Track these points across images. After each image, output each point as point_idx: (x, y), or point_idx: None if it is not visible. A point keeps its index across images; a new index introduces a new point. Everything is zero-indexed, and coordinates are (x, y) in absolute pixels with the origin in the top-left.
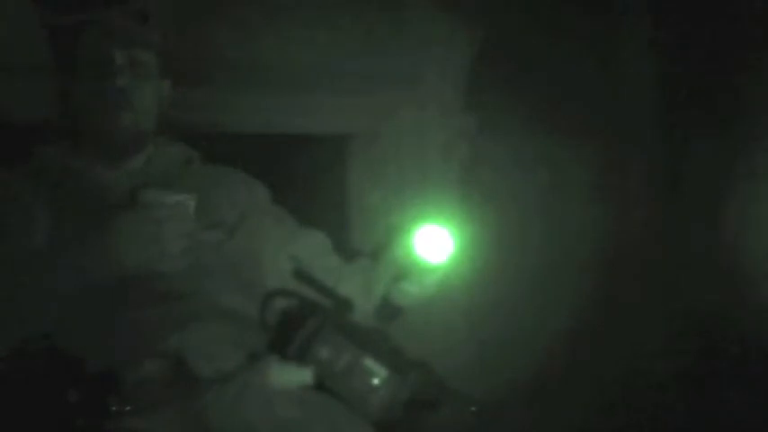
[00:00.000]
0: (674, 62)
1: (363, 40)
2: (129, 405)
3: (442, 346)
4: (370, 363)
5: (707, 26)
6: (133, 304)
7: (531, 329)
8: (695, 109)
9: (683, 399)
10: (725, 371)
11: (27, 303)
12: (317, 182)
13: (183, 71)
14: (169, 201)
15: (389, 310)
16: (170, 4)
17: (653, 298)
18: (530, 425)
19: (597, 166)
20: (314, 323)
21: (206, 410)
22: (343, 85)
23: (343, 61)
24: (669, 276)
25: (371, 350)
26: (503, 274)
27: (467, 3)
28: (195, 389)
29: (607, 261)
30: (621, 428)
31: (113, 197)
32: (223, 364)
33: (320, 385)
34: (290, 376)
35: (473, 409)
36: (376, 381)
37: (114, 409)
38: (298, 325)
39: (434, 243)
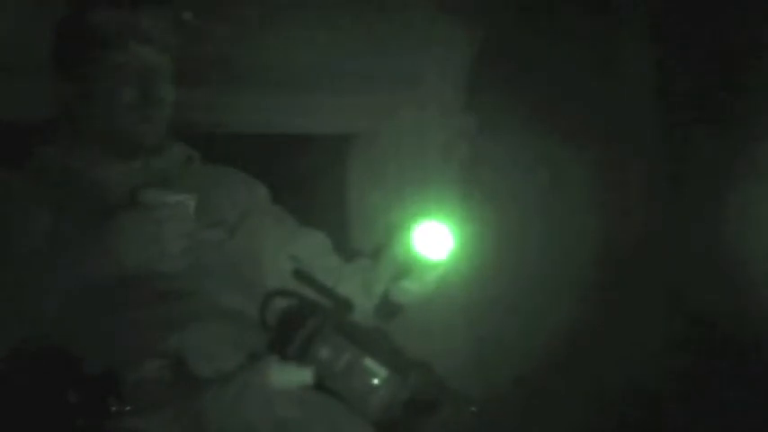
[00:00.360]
0: (673, 62)
1: (363, 40)
2: (129, 405)
3: (441, 345)
4: (369, 363)
5: (707, 26)
6: (133, 304)
7: (530, 329)
8: (695, 109)
9: (683, 399)
10: (725, 371)
11: (27, 303)
12: (316, 182)
13: (184, 71)
14: (169, 200)
15: (389, 307)
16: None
17: (653, 298)
18: (529, 424)
19: (597, 166)
20: (314, 323)
21: (206, 410)
22: (343, 85)
23: (343, 61)
24: (669, 276)
25: (371, 350)
26: (503, 273)
27: (467, 3)
28: (195, 389)
29: (607, 261)
30: (621, 428)
31: (113, 197)
32: (223, 365)
33: (320, 385)
34: (290, 376)
35: (473, 409)
36: (376, 381)
37: (114, 409)
38: (298, 325)
39: (434, 239)
